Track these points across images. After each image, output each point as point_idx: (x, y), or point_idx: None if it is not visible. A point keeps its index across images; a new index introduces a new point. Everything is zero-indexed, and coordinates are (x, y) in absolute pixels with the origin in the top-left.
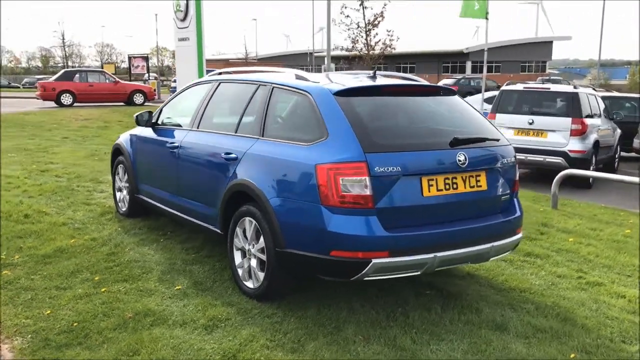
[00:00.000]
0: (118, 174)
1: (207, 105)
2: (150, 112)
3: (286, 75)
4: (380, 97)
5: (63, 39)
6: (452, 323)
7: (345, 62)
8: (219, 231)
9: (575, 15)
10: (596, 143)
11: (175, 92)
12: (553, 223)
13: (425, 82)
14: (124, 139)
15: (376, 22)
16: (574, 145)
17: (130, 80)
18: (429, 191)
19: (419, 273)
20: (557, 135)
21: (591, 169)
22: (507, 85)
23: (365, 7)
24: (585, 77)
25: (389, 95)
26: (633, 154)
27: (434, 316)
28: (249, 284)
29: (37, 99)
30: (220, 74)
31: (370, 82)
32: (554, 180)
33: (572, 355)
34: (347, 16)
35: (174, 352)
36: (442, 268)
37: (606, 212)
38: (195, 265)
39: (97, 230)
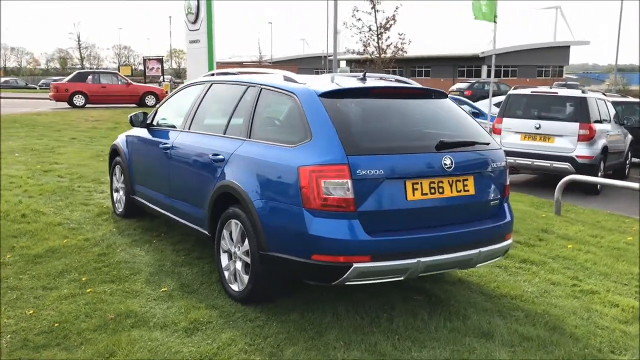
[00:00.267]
0: (115, 174)
1: (198, 106)
2: (145, 113)
3: (275, 77)
4: (368, 99)
5: (79, 40)
6: (437, 330)
7: (357, 65)
8: (207, 233)
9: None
10: (605, 149)
11: (171, 93)
12: (554, 229)
13: (417, 85)
14: (121, 139)
15: (388, 26)
16: (582, 151)
17: (145, 82)
18: (414, 195)
19: (402, 278)
20: (565, 140)
21: (599, 175)
22: (514, 89)
23: (377, 10)
24: (604, 82)
25: (376, 98)
26: None
27: (419, 322)
28: (235, 287)
29: (50, 100)
30: (213, 74)
31: (358, 84)
32: (557, 186)
33: None
34: (359, 19)
35: (150, 355)
36: (427, 274)
37: (610, 218)
38: (184, 267)
39: (92, 231)
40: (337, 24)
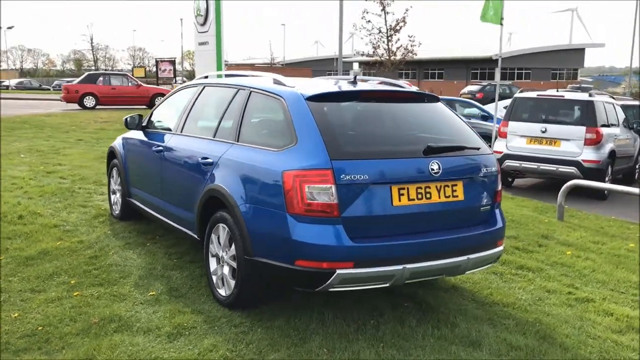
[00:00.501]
0: (112, 176)
1: (191, 108)
2: (140, 116)
3: (265, 80)
4: (356, 102)
5: (91, 42)
6: (425, 338)
7: (366, 67)
8: (196, 237)
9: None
10: (612, 153)
11: (166, 95)
12: (555, 235)
13: (410, 88)
14: (118, 141)
15: (398, 27)
16: (588, 155)
17: (157, 84)
18: (400, 200)
19: (388, 285)
20: (571, 144)
21: (606, 179)
22: (520, 92)
23: (387, 12)
24: (620, 85)
25: (365, 101)
26: None
27: (406, 330)
28: (222, 292)
29: (61, 101)
30: (206, 77)
31: (347, 87)
32: (560, 191)
33: None
34: (369, 21)
35: None
36: (414, 280)
37: (614, 224)
38: (174, 270)
39: (87, 233)
40: (342, 26)
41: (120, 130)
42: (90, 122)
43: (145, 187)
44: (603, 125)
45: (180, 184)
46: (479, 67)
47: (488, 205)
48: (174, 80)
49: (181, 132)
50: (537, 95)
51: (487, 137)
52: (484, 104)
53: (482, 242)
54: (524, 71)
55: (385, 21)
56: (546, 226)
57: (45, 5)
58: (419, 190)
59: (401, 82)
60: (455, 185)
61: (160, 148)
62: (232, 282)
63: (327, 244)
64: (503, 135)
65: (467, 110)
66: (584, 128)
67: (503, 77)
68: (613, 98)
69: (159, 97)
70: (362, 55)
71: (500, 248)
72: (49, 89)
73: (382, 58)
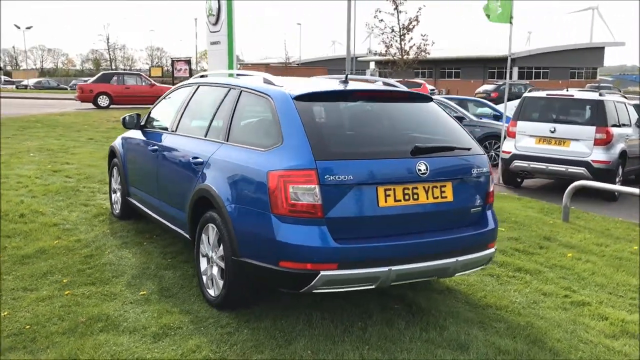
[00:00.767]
0: (113, 175)
1: (185, 108)
2: (139, 115)
3: (256, 79)
4: (345, 102)
5: (108, 41)
6: (412, 340)
7: (382, 66)
8: (188, 237)
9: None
10: (623, 153)
11: (164, 94)
12: (557, 237)
13: (402, 88)
14: (118, 141)
15: (411, 27)
16: (598, 155)
17: (173, 83)
18: (386, 201)
19: (373, 287)
20: (580, 144)
21: (617, 180)
22: (529, 91)
23: (400, 11)
24: None
25: (355, 101)
26: None
27: (394, 332)
28: (211, 292)
29: (75, 100)
30: (202, 76)
31: (336, 87)
32: (565, 192)
33: None
34: (381, 20)
35: None
36: (401, 282)
37: (621, 226)
38: (168, 270)
39: (85, 232)
40: (350, 27)
41: None
42: (103, 122)
43: (142, 187)
44: (614, 125)
45: (173, 184)
46: (496, 66)
47: (479, 206)
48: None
49: (175, 131)
50: (547, 94)
51: (498, 137)
52: (498, 104)
53: (471, 244)
54: (541, 70)
55: (398, 20)
56: (550, 228)
57: (64, 5)
58: (406, 191)
59: (394, 81)
60: (444, 186)
61: (156, 147)
62: (221, 283)
63: (311, 245)
64: (512, 135)
65: (480, 110)
66: (593, 128)
67: (520, 77)
68: (625, 97)
69: None
70: (375, 54)
71: (492, 250)
72: (67, 89)
73: (394, 57)
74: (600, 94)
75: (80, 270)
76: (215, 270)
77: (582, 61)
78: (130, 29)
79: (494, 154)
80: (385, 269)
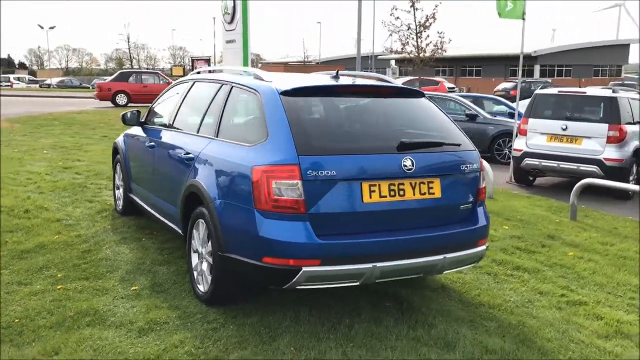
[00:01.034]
0: (116, 171)
1: (180, 104)
2: (138, 111)
3: (246, 75)
4: (333, 97)
5: (128, 41)
6: (399, 338)
7: (399, 64)
8: (180, 232)
9: None
10: (637, 151)
11: (163, 91)
12: (562, 235)
13: (395, 84)
14: (121, 137)
15: (427, 24)
16: (611, 154)
17: None
18: (370, 197)
19: (358, 283)
20: (593, 142)
21: (631, 179)
22: (541, 89)
23: (417, 9)
24: None
25: (343, 96)
26: None
27: (381, 330)
28: (201, 288)
29: (94, 99)
30: (198, 72)
31: (324, 82)
32: (573, 190)
33: None
34: (397, 18)
35: (93, 354)
36: (387, 279)
37: (630, 225)
38: (162, 266)
39: (86, 228)
40: (360, 24)
41: None
42: (119, 120)
43: (142, 183)
44: (628, 123)
45: (167, 179)
46: (518, 64)
47: (469, 203)
48: None
49: (170, 127)
50: (559, 91)
51: (512, 135)
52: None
53: (461, 241)
54: (564, 68)
55: (415, 18)
56: (555, 226)
57: (87, 5)
58: (392, 187)
59: (388, 77)
60: (432, 182)
61: (153, 143)
62: (210, 279)
63: (293, 240)
64: (523, 132)
65: (496, 108)
66: (606, 125)
67: (542, 74)
68: None
69: None
70: (391, 52)
71: (482, 248)
72: (89, 87)
73: (411, 55)
74: (614, 91)
75: (75, 265)
76: (204, 265)
77: (606, 58)
78: (152, 29)
79: (507, 151)
80: (370, 265)
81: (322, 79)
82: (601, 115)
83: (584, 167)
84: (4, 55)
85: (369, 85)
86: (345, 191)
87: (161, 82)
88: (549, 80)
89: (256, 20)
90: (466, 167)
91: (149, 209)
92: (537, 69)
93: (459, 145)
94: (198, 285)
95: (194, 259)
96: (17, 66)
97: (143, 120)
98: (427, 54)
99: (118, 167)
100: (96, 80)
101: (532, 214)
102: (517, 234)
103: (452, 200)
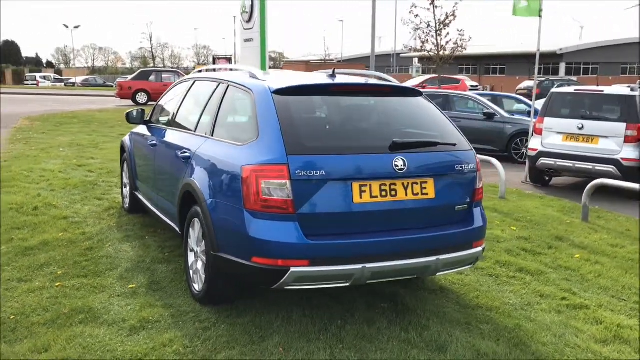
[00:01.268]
0: (124, 170)
1: (181, 103)
2: (143, 110)
3: (242, 74)
4: (327, 96)
5: (150, 40)
6: (390, 340)
7: (422, 62)
8: (179, 231)
9: None
10: None
11: (166, 89)
12: (571, 237)
13: (394, 83)
14: (127, 136)
15: (447, 22)
16: (628, 153)
17: None
18: (361, 197)
19: (348, 284)
20: (609, 141)
21: None
22: (557, 87)
23: (436, 7)
24: None
25: (336, 95)
26: None
27: (373, 331)
28: (196, 287)
29: (115, 97)
30: (200, 71)
31: (318, 81)
32: (585, 191)
33: None
34: (417, 15)
35: (82, 352)
36: (378, 280)
37: None
38: (162, 264)
39: (92, 225)
40: (375, 22)
41: None
42: None
43: (146, 181)
44: None
45: (167, 178)
46: (543, 62)
47: (464, 204)
48: None
49: (171, 126)
50: (575, 90)
51: None
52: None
53: (454, 243)
54: (590, 66)
55: (434, 15)
56: (566, 227)
57: (112, 4)
58: (383, 187)
59: (387, 76)
60: (425, 182)
61: (154, 142)
62: (204, 277)
63: (282, 241)
64: (538, 131)
65: (517, 106)
66: (624, 124)
67: (568, 73)
68: None
69: None
70: (410, 50)
71: (478, 249)
72: (112, 86)
73: (430, 53)
74: (632, 89)
75: (76, 263)
76: (199, 264)
77: (634, 56)
78: (177, 28)
79: (525, 151)
80: (359, 266)
81: (318, 77)
82: (619, 114)
83: (600, 167)
84: (33, 55)
85: (363, 84)
86: (335, 191)
87: None
88: (574, 78)
89: (279, 19)
90: (462, 167)
91: (151, 207)
92: (562, 66)
93: (454, 145)
94: (193, 284)
95: (190, 257)
96: (44, 65)
97: (147, 119)
98: (447, 52)
99: (125, 166)
100: (119, 79)
101: (542, 214)
102: (525, 235)
103: (446, 200)
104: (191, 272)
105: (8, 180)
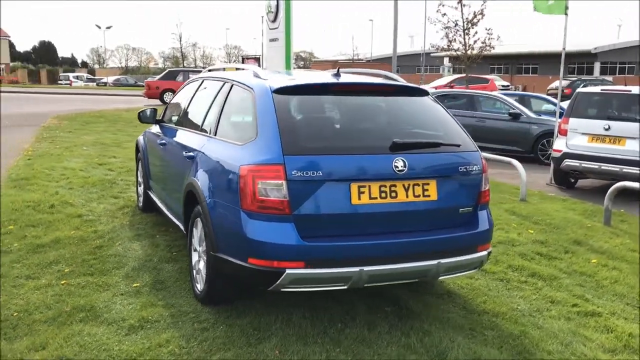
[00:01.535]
0: (138, 168)
1: (188, 102)
2: (155, 109)
3: (246, 73)
4: (328, 96)
5: (180, 40)
6: (389, 345)
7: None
8: (184, 230)
9: None
10: None
11: (178, 89)
12: (590, 241)
13: (401, 82)
14: (142, 135)
15: (475, 21)
16: None
17: None
18: (359, 199)
19: (346, 287)
20: (637, 143)
21: None
22: (583, 87)
23: (464, 5)
24: None
25: (340, 94)
26: None
27: (373, 335)
28: (198, 286)
29: (143, 97)
30: (210, 71)
31: (321, 80)
32: (607, 194)
33: None
34: (444, 14)
35: (78, 350)
36: (376, 284)
37: None
38: (169, 263)
39: (105, 223)
40: (397, 24)
41: None
42: None
43: (156, 180)
44: None
45: (173, 177)
46: (577, 62)
47: (469, 206)
48: None
49: (179, 125)
50: (601, 90)
51: None
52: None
53: (457, 246)
54: (627, 65)
55: (462, 14)
56: (585, 231)
57: (144, 5)
58: (383, 189)
59: (394, 75)
60: (427, 184)
61: (164, 141)
62: (205, 278)
63: (277, 242)
64: (563, 132)
65: (545, 107)
66: None
67: (603, 72)
68: None
69: None
70: (438, 49)
71: (482, 254)
72: (143, 86)
73: (457, 52)
74: None
75: (84, 261)
76: (201, 264)
77: None
78: (208, 28)
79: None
80: (357, 269)
81: (321, 76)
82: None
83: (627, 170)
84: (68, 55)
85: (367, 84)
86: (333, 192)
87: None
88: (609, 78)
89: (310, 18)
90: (466, 168)
91: (161, 206)
92: (597, 66)
93: (458, 145)
94: (196, 284)
95: (194, 257)
96: (79, 65)
97: (160, 118)
98: (475, 52)
99: (140, 164)
100: (150, 78)
101: (563, 217)
102: (542, 239)
103: (449, 203)
104: (194, 272)
105: (29, 178)
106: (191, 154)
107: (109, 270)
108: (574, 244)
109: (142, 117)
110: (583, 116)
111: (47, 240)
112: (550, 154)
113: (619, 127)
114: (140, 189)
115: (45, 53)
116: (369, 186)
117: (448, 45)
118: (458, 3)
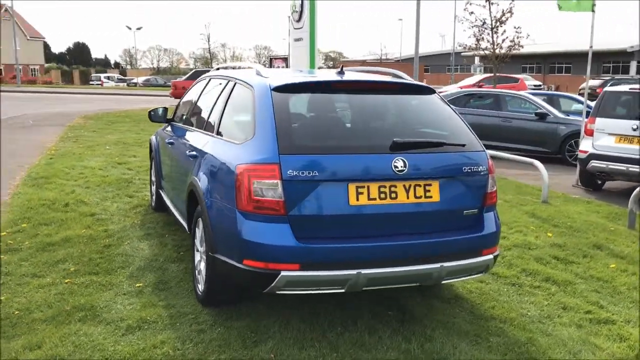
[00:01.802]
0: (151, 168)
1: (196, 101)
2: (165, 109)
3: (251, 71)
4: (329, 94)
5: (208, 40)
6: (389, 350)
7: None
8: (187, 230)
9: None
10: None
11: (187, 88)
12: (611, 245)
13: (408, 80)
14: (154, 134)
15: (503, 19)
16: None
17: None
18: (358, 200)
19: (343, 290)
20: None
21: None
22: (611, 86)
23: (492, 3)
24: None
25: (341, 93)
26: None
27: (373, 340)
28: (200, 287)
29: (170, 97)
30: (218, 69)
31: (322, 78)
32: (632, 196)
33: None
34: (472, 12)
35: (73, 350)
36: (376, 287)
37: None
38: (174, 263)
39: (116, 222)
40: (419, 21)
41: None
42: None
43: (166, 179)
44: None
45: (179, 177)
46: (612, 61)
47: (474, 208)
48: None
49: (186, 124)
50: (630, 88)
51: None
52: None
53: (461, 250)
54: None
55: (490, 12)
56: (607, 235)
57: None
58: (382, 190)
59: (402, 73)
60: (429, 185)
61: (172, 140)
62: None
63: (272, 243)
64: (589, 133)
65: (575, 107)
66: None
67: (639, 72)
68: None
69: None
70: (465, 48)
71: (488, 257)
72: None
73: (485, 51)
74: None
75: (91, 260)
76: (202, 265)
77: None
78: (237, 28)
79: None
80: (354, 272)
81: (325, 74)
82: None
83: None
84: (101, 56)
85: (370, 81)
86: (330, 192)
87: None
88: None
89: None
90: (471, 169)
91: (169, 205)
92: (633, 65)
93: (463, 145)
94: (198, 285)
95: (196, 257)
96: (112, 66)
97: (170, 117)
98: (503, 50)
99: (152, 163)
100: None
101: (585, 220)
102: (560, 242)
103: (453, 204)
104: (196, 272)
105: (48, 177)
106: (194, 153)
107: (114, 270)
108: (593, 248)
109: (153, 116)
110: (610, 116)
111: (58, 238)
112: (577, 155)
113: None
114: (153, 188)
115: (79, 54)
116: (368, 187)
117: (476, 44)
118: (486, 1)
